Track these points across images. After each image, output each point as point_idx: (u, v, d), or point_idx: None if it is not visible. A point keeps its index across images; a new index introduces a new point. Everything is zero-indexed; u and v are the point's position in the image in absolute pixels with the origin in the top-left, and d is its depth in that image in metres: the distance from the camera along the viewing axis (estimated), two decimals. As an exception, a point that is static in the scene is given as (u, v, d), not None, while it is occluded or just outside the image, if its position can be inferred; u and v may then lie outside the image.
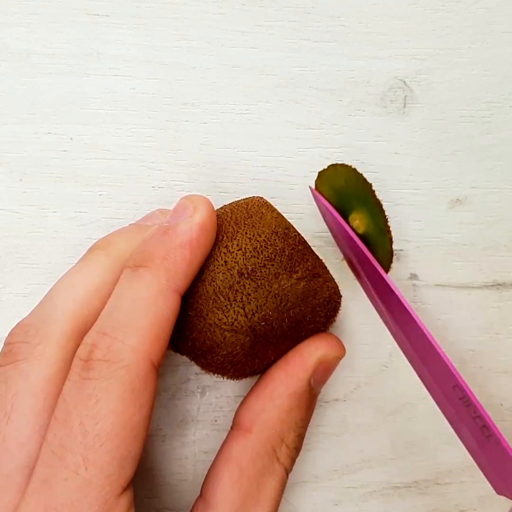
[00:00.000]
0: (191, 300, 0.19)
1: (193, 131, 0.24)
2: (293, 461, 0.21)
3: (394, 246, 0.24)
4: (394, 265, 0.24)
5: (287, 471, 0.21)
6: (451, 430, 0.24)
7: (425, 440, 0.24)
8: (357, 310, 0.24)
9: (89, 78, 0.24)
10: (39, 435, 0.19)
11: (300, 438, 0.21)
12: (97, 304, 0.20)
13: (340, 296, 0.20)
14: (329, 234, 0.23)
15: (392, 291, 0.20)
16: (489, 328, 0.24)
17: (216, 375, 0.20)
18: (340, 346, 0.21)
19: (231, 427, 0.21)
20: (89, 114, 0.24)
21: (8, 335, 0.20)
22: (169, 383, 0.23)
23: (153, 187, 0.24)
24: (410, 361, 0.22)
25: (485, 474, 0.20)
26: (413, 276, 0.24)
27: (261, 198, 0.20)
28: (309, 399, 0.21)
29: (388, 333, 0.23)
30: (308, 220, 0.23)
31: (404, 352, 0.22)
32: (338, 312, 0.21)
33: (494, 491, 0.24)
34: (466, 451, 0.23)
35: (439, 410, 0.23)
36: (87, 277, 0.20)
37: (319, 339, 0.21)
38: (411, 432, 0.24)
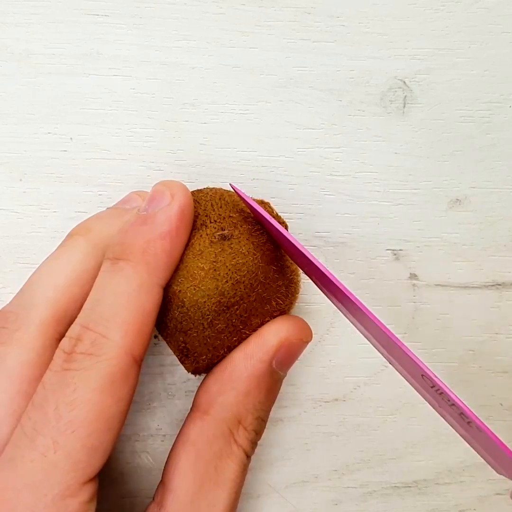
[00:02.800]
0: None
1: (193, 131, 0.24)
2: (252, 443, 0.21)
3: (394, 246, 0.24)
4: (394, 265, 0.24)
5: (247, 453, 0.20)
6: (451, 430, 0.24)
7: (425, 440, 0.24)
8: (357, 310, 0.24)
9: (89, 78, 0.24)
10: (13, 419, 0.19)
11: (259, 420, 0.21)
12: (78, 291, 0.20)
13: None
14: (329, 234, 0.24)
15: (335, 285, 0.18)
16: (489, 328, 0.24)
17: (182, 353, 0.20)
18: (306, 328, 0.21)
19: (190, 409, 0.21)
20: (89, 114, 0.24)
21: None
22: (169, 383, 0.23)
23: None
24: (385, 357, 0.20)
25: (482, 456, 0.20)
26: (413, 276, 0.24)
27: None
28: (271, 382, 0.20)
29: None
30: (308, 220, 0.23)
31: (374, 346, 0.20)
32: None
33: (493, 492, 0.24)
34: (467, 450, 0.23)
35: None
36: (67, 264, 0.20)
37: (282, 321, 0.20)
38: (411, 432, 0.24)
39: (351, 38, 0.24)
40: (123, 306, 0.18)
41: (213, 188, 0.21)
